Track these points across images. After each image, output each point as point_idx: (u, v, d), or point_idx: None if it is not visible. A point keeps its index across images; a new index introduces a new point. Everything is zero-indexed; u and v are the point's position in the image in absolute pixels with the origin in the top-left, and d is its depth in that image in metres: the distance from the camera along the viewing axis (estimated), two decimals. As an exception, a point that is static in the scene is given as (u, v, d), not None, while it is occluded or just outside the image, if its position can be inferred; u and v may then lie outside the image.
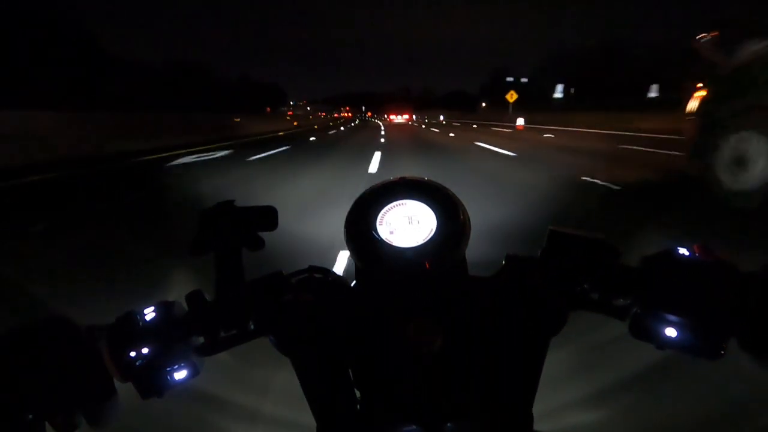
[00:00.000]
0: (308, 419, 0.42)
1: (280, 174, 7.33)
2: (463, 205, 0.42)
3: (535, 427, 0.41)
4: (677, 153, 6.33)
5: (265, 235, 0.42)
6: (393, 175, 0.46)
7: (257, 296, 0.41)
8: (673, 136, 7.18)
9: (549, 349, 0.41)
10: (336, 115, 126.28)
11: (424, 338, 0.38)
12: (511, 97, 33.46)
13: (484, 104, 74.47)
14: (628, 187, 5.36)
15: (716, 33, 4.40)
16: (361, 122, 57.09)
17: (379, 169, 7.76)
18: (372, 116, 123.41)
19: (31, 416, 0.33)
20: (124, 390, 0.37)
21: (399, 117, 66.55)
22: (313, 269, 0.44)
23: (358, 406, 0.43)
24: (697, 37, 4.47)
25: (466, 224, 0.41)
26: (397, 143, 14.68)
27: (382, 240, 0.39)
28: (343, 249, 2.78)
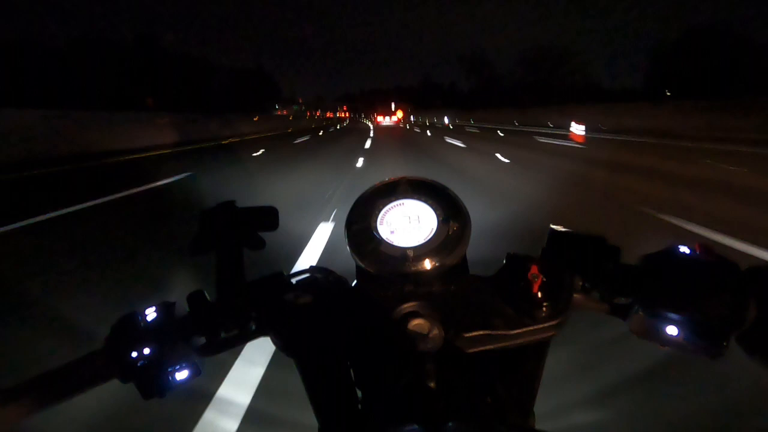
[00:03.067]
0: (310, 419, 0.42)
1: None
2: (464, 205, 0.42)
3: (537, 426, 0.41)
4: None
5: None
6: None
7: (258, 297, 0.41)
8: None
9: (551, 348, 0.41)
10: (329, 114, 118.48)
11: (424, 337, 0.38)
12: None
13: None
14: None
15: None
16: (350, 124, 48.85)
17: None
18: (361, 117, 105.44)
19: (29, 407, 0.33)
20: (126, 390, 0.38)
21: (387, 119, 62.21)
22: (313, 269, 0.44)
23: (360, 406, 0.43)
24: None
25: (467, 224, 0.41)
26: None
27: (382, 239, 0.39)
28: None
